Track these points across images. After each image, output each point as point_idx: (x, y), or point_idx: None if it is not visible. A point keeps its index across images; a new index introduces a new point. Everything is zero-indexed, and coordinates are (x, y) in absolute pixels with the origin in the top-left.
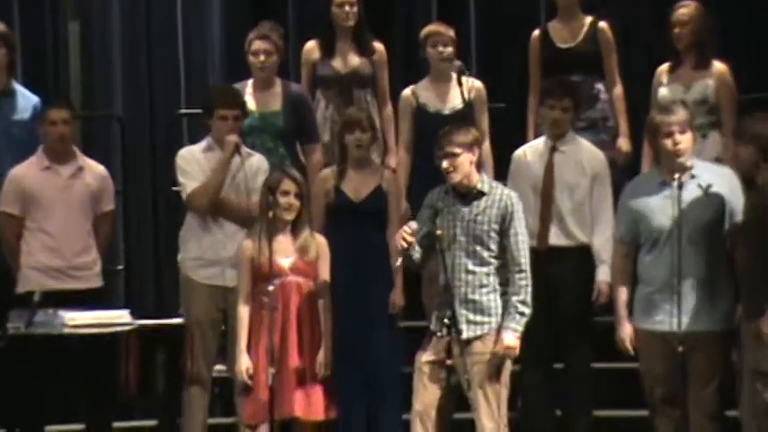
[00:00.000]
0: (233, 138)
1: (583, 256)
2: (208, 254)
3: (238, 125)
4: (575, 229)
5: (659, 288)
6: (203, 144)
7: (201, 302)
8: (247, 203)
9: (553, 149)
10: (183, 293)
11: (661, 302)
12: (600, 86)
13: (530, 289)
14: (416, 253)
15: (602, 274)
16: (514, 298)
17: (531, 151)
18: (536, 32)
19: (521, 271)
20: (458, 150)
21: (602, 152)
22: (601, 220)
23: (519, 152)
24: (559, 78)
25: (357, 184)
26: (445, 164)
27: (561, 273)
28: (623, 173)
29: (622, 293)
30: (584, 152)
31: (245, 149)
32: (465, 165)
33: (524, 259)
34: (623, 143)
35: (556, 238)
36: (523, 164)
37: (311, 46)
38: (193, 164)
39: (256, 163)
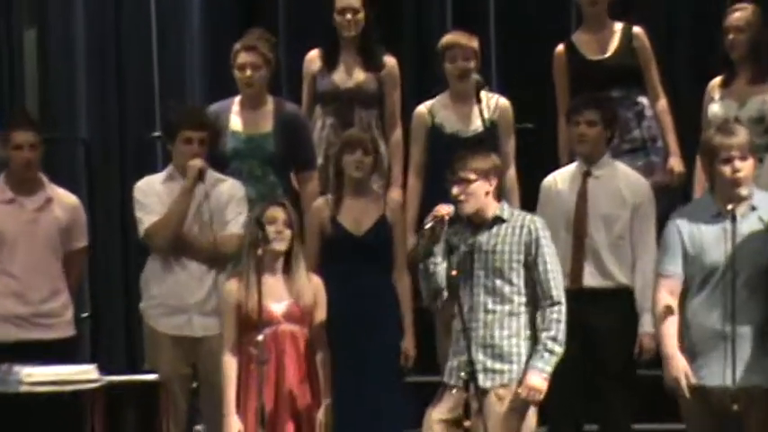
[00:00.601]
0: (196, 162)
1: (622, 300)
2: (171, 300)
3: (204, 150)
4: (613, 268)
5: (709, 336)
6: (164, 174)
7: (168, 357)
8: (216, 239)
9: (586, 175)
10: (147, 346)
11: (711, 353)
12: (644, 101)
13: (563, 326)
14: (437, 257)
15: (646, 325)
16: (544, 334)
17: (562, 178)
18: (560, 47)
19: (553, 304)
20: (472, 176)
21: (644, 179)
22: (643, 260)
23: (548, 179)
24: (588, 93)
25: (357, 215)
26: (456, 190)
27: (597, 319)
28: (675, 199)
29: (670, 326)
30: (624, 178)
31: (214, 175)
32: (479, 194)
33: (556, 291)
34: (675, 163)
35: (591, 278)
36: (553, 193)
37: (313, 56)
38: (152, 196)
39: (227, 190)
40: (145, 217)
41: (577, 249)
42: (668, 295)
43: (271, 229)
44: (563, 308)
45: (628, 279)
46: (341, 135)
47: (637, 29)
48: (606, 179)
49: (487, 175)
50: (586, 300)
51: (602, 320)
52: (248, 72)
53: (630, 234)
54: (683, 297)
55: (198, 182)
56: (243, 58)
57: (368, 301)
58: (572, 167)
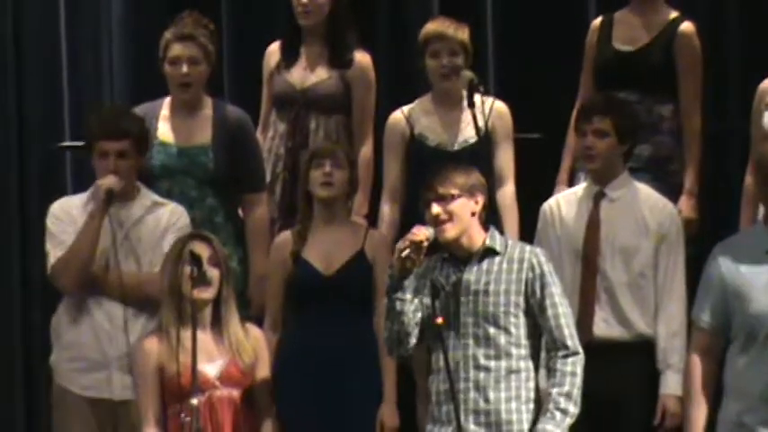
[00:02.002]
0: (105, 181)
1: (644, 355)
2: (88, 352)
3: (127, 165)
4: (632, 314)
5: (757, 405)
6: (86, 194)
7: (80, 424)
8: (144, 277)
9: (599, 197)
10: (55, 412)
11: (759, 426)
12: (664, 112)
13: (579, 381)
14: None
15: (670, 385)
16: (555, 390)
17: (568, 201)
18: (596, 22)
19: (567, 355)
20: (454, 191)
21: (671, 204)
22: (669, 304)
23: (549, 203)
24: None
25: (326, 249)
26: (435, 209)
27: (612, 379)
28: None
29: (699, 411)
30: (646, 201)
31: (152, 197)
32: (463, 214)
33: (572, 339)
34: (685, 206)
35: (604, 327)
36: (556, 219)
37: (274, 49)
38: (65, 224)
39: (166, 218)
40: (53, 251)
41: (587, 290)
42: (705, 356)
43: (187, 271)
44: (580, 359)
45: (650, 328)
46: (290, 147)
47: (686, 25)
48: (624, 203)
49: (472, 191)
50: (596, 354)
51: (617, 382)
52: (184, 68)
53: (654, 272)
54: (724, 354)
55: (108, 205)
56: (177, 50)
57: (340, 355)
58: (580, 188)
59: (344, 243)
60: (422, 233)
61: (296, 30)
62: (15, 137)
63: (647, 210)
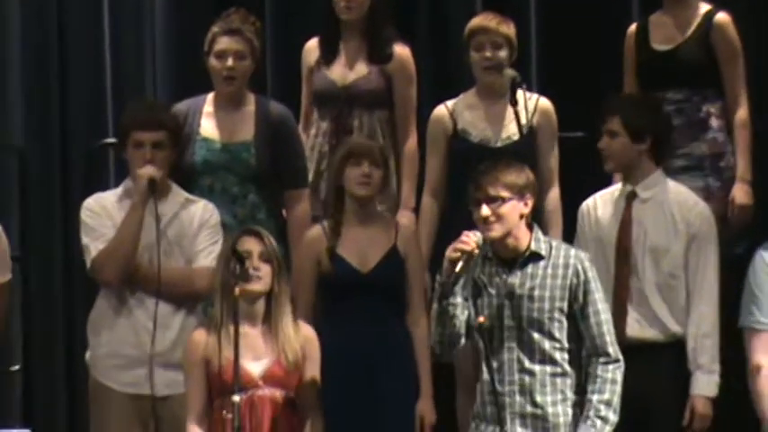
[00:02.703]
0: (146, 170)
1: (677, 356)
2: (127, 349)
3: (162, 155)
4: (663, 315)
5: None
6: (119, 190)
7: (119, 421)
8: (181, 272)
9: (631, 197)
10: (93, 408)
11: None
12: (712, 109)
13: (619, 388)
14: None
15: (700, 386)
16: (595, 397)
17: (604, 201)
18: (632, 27)
19: (608, 362)
20: (504, 194)
21: (704, 202)
22: (699, 303)
23: (587, 203)
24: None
25: (362, 246)
26: (484, 211)
27: (645, 380)
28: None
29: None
30: (677, 200)
31: (183, 194)
32: (512, 217)
33: (613, 346)
34: (739, 193)
35: (637, 328)
36: (592, 219)
37: (312, 45)
38: (103, 218)
39: (199, 214)
40: (92, 244)
41: (620, 290)
42: (765, 355)
43: (246, 264)
44: (621, 366)
45: (682, 328)
46: (335, 144)
47: (721, 16)
48: (655, 202)
49: (522, 193)
50: (631, 355)
51: (648, 381)
52: (230, 62)
53: (685, 271)
54: None
55: (150, 195)
56: (224, 43)
57: (376, 353)
58: (617, 187)
59: (377, 239)
60: (471, 241)
61: (335, 26)
62: (58, 135)
63: (676, 209)
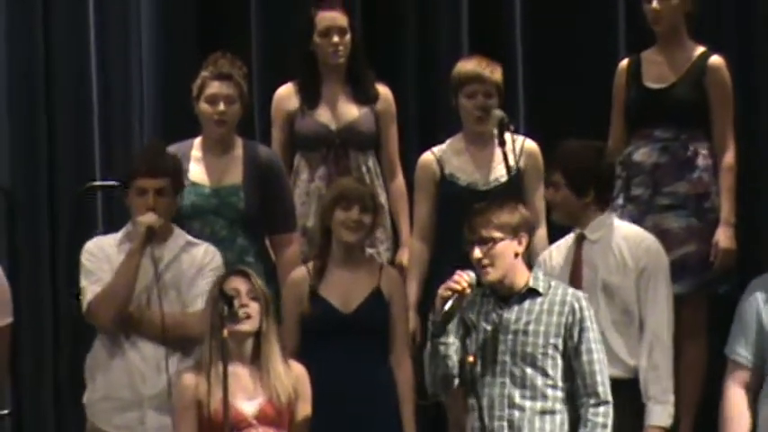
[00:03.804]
0: (146, 218)
1: (637, 391)
2: (122, 391)
3: (165, 203)
4: (620, 352)
5: None
6: (120, 234)
7: None
8: (177, 317)
9: (580, 239)
10: None
11: None
12: (699, 148)
13: (609, 431)
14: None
15: (653, 417)
16: None
17: (559, 249)
18: (623, 63)
19: (598, 403)
20: (497, 234)
21: (651, 236)
22: (648, 335)
23: (545, 253)
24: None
25: (345, 287)
26: (477, 253)
27: (616, 418)
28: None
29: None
30: (623, 238)
31: (185, 236)
32: (506, 257)
33: (603, 387)
34: (722, 237)
35: None
36: (548, 267)
37: (286, 91)
38: (101, 261)
39: (199, 258)
40: (89, 287)
41: None
42: (738, 387)
43: (234, 305)
44: (610, 409)
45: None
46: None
47: (715, 58)
48: (604, 243)
49: (516, 232)
50: None
51: (620, 420)
52: (221, 106)
53: (638, 306)
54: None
55: (148, 243)
56: (215, 88)
57: (359, 395)
58: (568, 236)
59: (361, 280)
60: (464, 280)
61: (315, 69)
62: (46, 176)
63: (625, 247)
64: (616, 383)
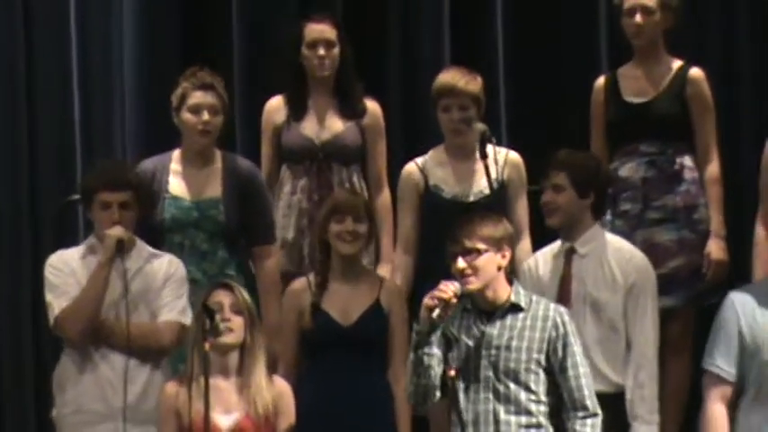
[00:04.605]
0: (114, 231)
1: (622, 407)
2: (94, 404)
3: (129, 216)
4: (604, 367)
5: None
6: (82, 247)
7: None
8: (145, 327)
9: (570, 253)
10: None
11: None
12: (685, 161)
13: None
14: (435, 355)
15: None
16: None
17: (545, 259)
18: (600, 80)
19: (586, 416)
20: (481, 246)
21: (641, 253)
22: (636, 354)
23: (529, 262)
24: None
25: (345, 301)
26: (461, 264)
27: None
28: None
29: None
30: (614, 253)
31: (148, 249)
32: (489, 269)
33: (591, 400)
34: (714, 248)
35: None
36: (533, 277)
37: (276, 104)
38: (66, 275)
39: (164, 269)
40: (55, 301)
41: None
42: (720, 403)
43: (215, 318)
44: (599, 421)
45: (623, 379)
46: (316, 200)
47: (694, 71)
48: (594, 257)
49: (500, 245)
50: None
51: None
52: (205, 116)
53: (625, 323)
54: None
55: (117, 255)
56: (198, 98)
57: (356, 408)
58: (554, 246)
59: (361, 293)
60: (449, 290)
61: (303, 82)
62: (27, 190)
63: (614, 263)
64: (600, 398)
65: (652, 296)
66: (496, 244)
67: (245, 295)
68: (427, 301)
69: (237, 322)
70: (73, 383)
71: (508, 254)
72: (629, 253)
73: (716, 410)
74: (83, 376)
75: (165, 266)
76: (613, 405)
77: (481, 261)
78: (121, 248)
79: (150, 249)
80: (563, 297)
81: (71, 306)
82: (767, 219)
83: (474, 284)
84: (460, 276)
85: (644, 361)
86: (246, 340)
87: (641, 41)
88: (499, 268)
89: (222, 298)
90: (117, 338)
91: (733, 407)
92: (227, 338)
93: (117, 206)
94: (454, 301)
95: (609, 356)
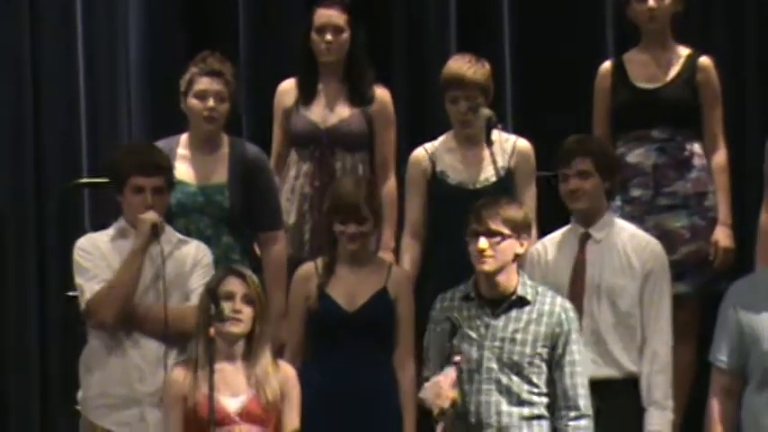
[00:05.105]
0: (149, 216)
1: (634, 393)
2: (119, 389)
3: (161, 201)
4: (620, 354)
5: None
6: (112, 230)
7: None
8: (177, 311)
9: (585, 238)
10: None
11: None
12: (695, 148)
13: None
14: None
15: (654, 422)
16: None
17: (554, 245)
18: (606, 65)
19: (579, 417)
20: (505, 230)
21: (655, 240)
22: (652, 340)
23: (536, 247)
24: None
25: (351, 286)
26: (483, 244)
27: (602, 419)
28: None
29: None
30: (630, 240)
31: (176, 234)
32: (508, 254)
33: (584, 400)
34: (721, 236)
35: (594, 368)
36: (543, 263)
37: (287, 87)
38: (96, 258)
39: (192, 254)
40: (86, 284)
41: None
42: (725, 396)
43: (226, 307)
44: (590, 423)
45: (637, 366)
46: (318, 186)
47: (704, 59)
48: (609, 243)
49: (520, 231)
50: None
51: (608, 421)
52: (211, 102)
53: (640, 309)
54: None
55: (152, 240)
56: (205, 83)
57: (359, 394)
58: (564, 231)
59: (368, 280)
60: (448, 398)
61: (313, 67)
62: (32, 174)
63: (630, 249)
64: (610, 384)
65: (667, 283)
66: (519, 230)
67: (258, 285)
68: (427, 401)
69: (247, 313)
70: (100, 367)
71: (526, 243)
72: (644, 240)
73: (714, 403)
74: (110, 360)
75: (194, 251)
76: (624, 391)
77: (504, 245)
78: (156, 233)
79: (178, 235)
80: (576, 283)
81: (104, 290)
82: None
83: (490, 266)
84: (480, 256)
85: (660, 348)
86: (255, 330)
87: (654, 26)
88: (516, 256)
89: (235, 287)
90: (151, 323)
91: (739, 396)
92: (236, 328)
93: (150, 191)
94: (451, 411)
95: (623, 343)
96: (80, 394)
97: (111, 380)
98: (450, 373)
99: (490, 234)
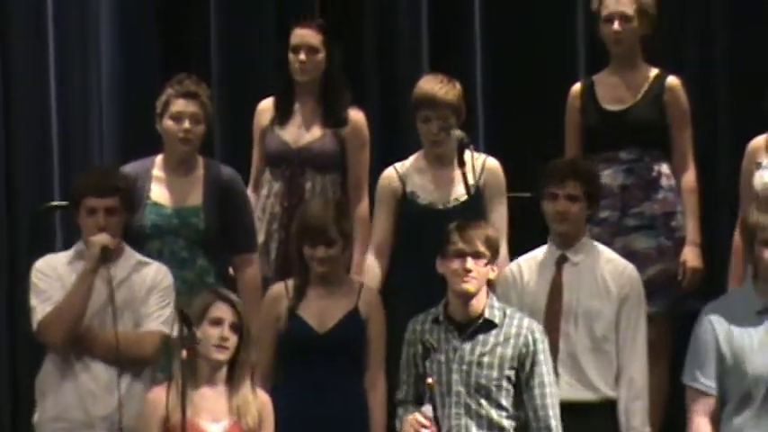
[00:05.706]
0: (99, 238)
1: (609, 416)
2: (74, 413)
3: (115, 222)
4: (595, 379)
5: None
6: (70, 252)
7: None
8: (133, 336)
9: (562, 261)
10: None
11: None
12: (663, 168)
13: None
14: None
15: None
16: None
17: (529, 266)
18: (576, 87)
19: None
20: (487, 252)
21: (631, 265)
22: (629, 365)
23: (511, 267)
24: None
25: (322, 307)
26: (470, 264)
27: None
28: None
29: None
30: (607, 264)
31: (136, 256)
32: (485, 275)
33: (554, 420)
34: (690, 256)
35: (569, 390)
36: (518, 284)
37: (266, 106)
38: (53, 280)
39: (151, 276)
40: (39, 306)
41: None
42: (704, 417)
43: (213, 333)
44: None
45: (614, 391)
46: (286, 207)
47: (672, 79)
48: (586, 266)
49: (493, 255)
50: (564, 417)
51: None
52: (186, 124)
53: (616, 334)
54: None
55: (101, 263)
56: (180, 105)
57: (330, 415)
58: (541, 252)
59: (339, 301)
60: (426, 418)
61: (289, 87)
62: (4, 196)
63: (607, 273)
64: (586, 407)
65: (644, 309)
66: (494, 255)
67: (245, 313)
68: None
69: (233, 341)
70: (54, 390)
71: (496, 268)
72: (621, 265)
73: (701, 424)
74: (63, 383)
75: (153, 274)
76: (601, 415)
77: (486, 268)
78: (106, 256)
79: (138, 256)
80: (553, 306)
81: (54, 312)
82: (745, 222)
83: (474, 286)
84: (464, 275)
85: (637, 373)
86: (240, 356)
87: (620, 49)
88: (489, 282)
89: (224, 314)
90: (100, 347)
91: (718, 419)
92: (222, 356)
93: (103, 212)
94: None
95: (599, 367)
96: (36, 417)
97: (66, 404)
98: (427, 412)
99: (477, 255)
